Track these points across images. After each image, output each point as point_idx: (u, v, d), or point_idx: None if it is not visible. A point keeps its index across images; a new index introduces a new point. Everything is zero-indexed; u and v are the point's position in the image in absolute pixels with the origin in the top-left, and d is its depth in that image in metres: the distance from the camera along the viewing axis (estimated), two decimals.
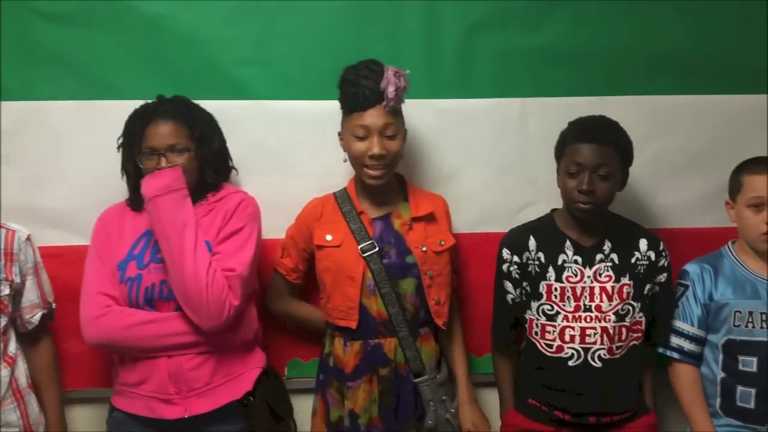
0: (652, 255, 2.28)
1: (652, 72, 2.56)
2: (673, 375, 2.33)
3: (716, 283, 2.28)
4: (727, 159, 2.48)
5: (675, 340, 2.30)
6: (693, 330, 2.28)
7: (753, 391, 2.21)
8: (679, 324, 2.31)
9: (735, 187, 2.29)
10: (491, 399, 2.52)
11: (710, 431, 2.24)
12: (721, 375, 2.26)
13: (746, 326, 2.22)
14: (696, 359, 2.30)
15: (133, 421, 2.17)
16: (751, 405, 2.21)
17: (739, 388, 2.23)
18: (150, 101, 2.26)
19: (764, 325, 2.21)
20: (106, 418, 2.26)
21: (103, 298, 2.13)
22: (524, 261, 2.29)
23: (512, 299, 2.34)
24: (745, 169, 2.27)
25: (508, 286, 2.34)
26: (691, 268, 2.33)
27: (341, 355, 2.30)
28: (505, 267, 2.33)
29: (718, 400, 2.27)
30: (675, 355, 2.30)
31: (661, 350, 2.32)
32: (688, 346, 2.29)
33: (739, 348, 2.23)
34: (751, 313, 2.22)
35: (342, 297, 2.27)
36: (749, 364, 2.21)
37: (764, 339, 2.20)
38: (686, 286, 2.31)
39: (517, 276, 2.31)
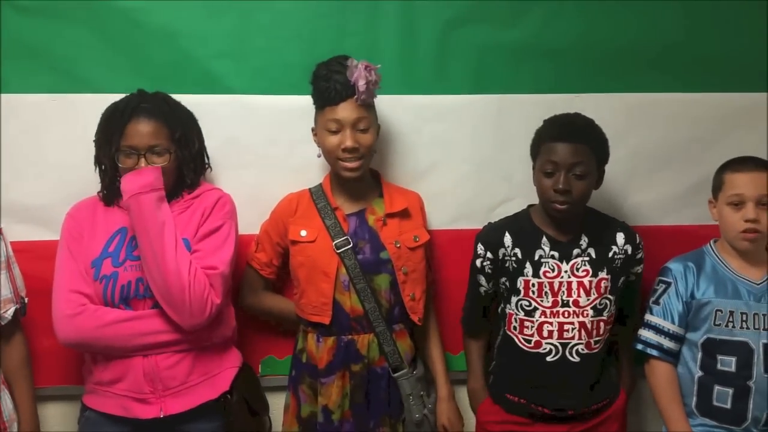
0: (629, 249, 2.30)
1: (627, 69, 2.57)
2: (651, 372, 2.32)
3: (698, 282, 2.27)
4: (701, 157, 2.54)
5: (654, 338, 2.29)
6: (673, 328, 2.28)
7: (730, 391, 2.21)
8: (659, 321, 2.29)
9: (717, 186, 2.30)
10: (465, 397, 2.51)
11: (687, 431, 2.24)
12: (698, 374, 2.26)
13: (726, 326, 2.22)
14: (674, 357, 2.29)
15: (106, 421, 2.14)
16: (728, 405, 2.21)
17: (717, 387, 2.23)
18: (126, 95, 2.22)
19: (744, 325, 2.21)
20: (77, 417, 2.23)
21: (76, 296, 2.10)
22: (500, 257, 2.29)
23: (485, 291, 2.36)
24: (727, 167, 2.28)
25: (481, 279, 2.35)
26: (674, 265, 2.32)
27: (314, 351, 2.30)
28: (478, 262, 2.33)
29: (694, 399, 2.27)
30: (654, 352, 2.29)
31: (640, 347, 2.31)
32: (667, 343, 2.28)
33: (719, 347, 2.23)
34: (732, 313, 2.22)
35: (316, 292, 2.27)
36: (728, 363, 2.21)
37: (743, 339, 2.21)
38: (668, 284, 2.31)
39: (489, 271, 2.32)
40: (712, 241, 2.36)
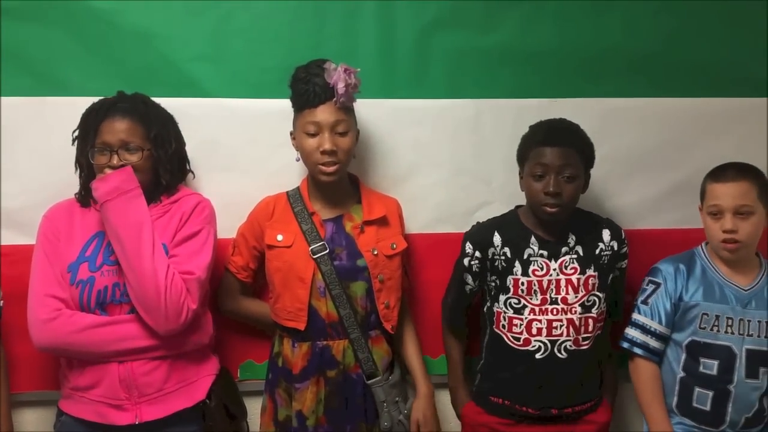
0: (615, 244, 2.32)
1: (604, 74, 2.58)
2: (635, 371, 2.33)
3: (687, 284, 2.29)
4: (677, 162, 2.56)
5: (641, 337, 2.30)
6: (660, 328, 2.29)
7: (710, 393, 2.23)
8: (647, 321, 2.30)
9: (701, 193, 2.31)
10: (445, 401, 2.52)
11: (668, 431, 2.26)
12: (680, 374, 2.27)
13: (711, 329, 2.23)
14: (659, 357, 2.31)
15: (82, 426, 2.13)
16: (707, 407, 2.23)
17: (697, 389, 2.25)
18: (102, 98, 2.20)
19: (729, 330, 2.23)
20: (53, 422, 2.22)
21: (52, 300, 2.09)
22: (489, 256, 2.30)
23: (470, 290, 2.37)
24: (709, 176, 2.29)
25: (468, 278, 2.35)
26: (664, 266, 2.34)
27: (289, 356, 2.29)
28: (466, 261, 2.34)
29: (675, 398, 2.29)
30: (639, 351, 2.30)
31: (626, 345, 2.33)
32: (653, 343, 2.29)
33: (702, 350, 2.24)
34: (717, 317, 2.24)
35: (291, 298, 2.26)
36: (710, 366, 2.23)
37: (727, 343, 2.22)
38: (658, 284, 2.32)
39: (477, 270, 2.33)
40: (703, 244, 2.37)
